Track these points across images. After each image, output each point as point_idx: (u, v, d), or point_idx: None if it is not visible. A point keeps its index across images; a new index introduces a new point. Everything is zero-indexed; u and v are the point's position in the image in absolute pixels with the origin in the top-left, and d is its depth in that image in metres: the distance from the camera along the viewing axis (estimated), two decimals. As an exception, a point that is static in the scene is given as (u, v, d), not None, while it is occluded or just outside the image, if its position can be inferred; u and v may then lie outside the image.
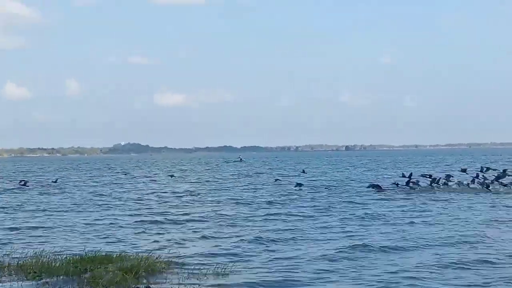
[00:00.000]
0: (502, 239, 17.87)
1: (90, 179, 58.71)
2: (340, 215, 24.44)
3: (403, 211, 25.53)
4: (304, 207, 27.81)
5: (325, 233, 19.67)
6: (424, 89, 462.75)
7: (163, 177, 59.70)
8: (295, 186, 38.83)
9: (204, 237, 19.09)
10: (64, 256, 14.57)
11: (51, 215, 25.84)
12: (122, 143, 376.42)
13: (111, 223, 22.83)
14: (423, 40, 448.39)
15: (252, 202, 30.80)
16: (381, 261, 14.90)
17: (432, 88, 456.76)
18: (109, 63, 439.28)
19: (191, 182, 50.69)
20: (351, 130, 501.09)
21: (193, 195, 35.79)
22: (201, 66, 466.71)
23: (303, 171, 59.27)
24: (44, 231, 20.87)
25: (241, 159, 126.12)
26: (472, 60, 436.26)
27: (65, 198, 34.63)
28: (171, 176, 56.88)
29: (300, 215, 24.45)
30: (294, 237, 18.73)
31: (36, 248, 16.34)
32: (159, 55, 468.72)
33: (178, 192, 38.07)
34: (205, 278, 13.15)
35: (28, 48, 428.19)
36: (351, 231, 19.92)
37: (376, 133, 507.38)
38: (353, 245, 16.77)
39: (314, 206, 28.17)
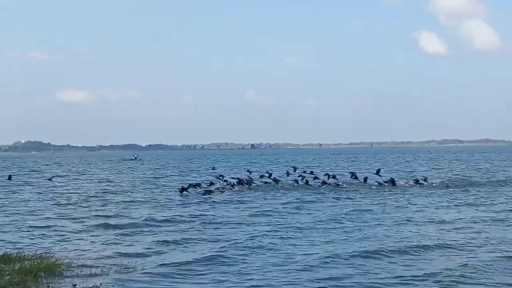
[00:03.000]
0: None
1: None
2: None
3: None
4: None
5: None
6: (327, 89, 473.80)
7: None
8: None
9: (105, 238, 18.91)
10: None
11: None
12: (23, 141, 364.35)
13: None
14: (327, 42, 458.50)
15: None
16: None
17: (335, 89, 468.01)
18: (8, 58, 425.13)
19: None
20: (257, 129, 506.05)
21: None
22: (104, 63, 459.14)
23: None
24: None
25: (136, 157, 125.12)
26: (376, 62, 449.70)
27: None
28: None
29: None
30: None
31: None
32: (62, 52, 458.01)
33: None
34: (106, 277, 13.11)
35: None
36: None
37: (282, 132, 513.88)
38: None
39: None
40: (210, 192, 34.19)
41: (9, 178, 51.29)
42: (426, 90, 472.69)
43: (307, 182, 38.27)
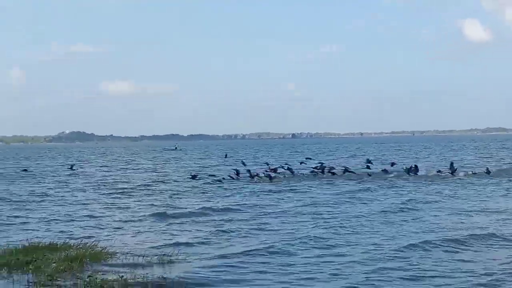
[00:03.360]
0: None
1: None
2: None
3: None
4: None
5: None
6: (370, 78, 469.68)
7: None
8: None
9: (150, 227, 18.92)
10: (7, 246, 14.34)
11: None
12: (67, 132, 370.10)
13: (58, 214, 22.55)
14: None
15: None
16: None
17: (377, 78, 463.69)
18: (52, 50, 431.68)
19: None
20: (297, 118, 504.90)
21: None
22: (147, 54, 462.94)
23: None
24: None
25: (176, 147, 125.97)
26: (417, 51, 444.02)
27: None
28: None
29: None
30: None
31: None
32: (105, 44, 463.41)
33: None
34: (150, 266, 13.09)
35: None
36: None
37: (322, 121, 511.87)
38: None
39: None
40: (253, 177, 34.46)
41: (71, 168, 51.66)
42: (468, 78, 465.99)
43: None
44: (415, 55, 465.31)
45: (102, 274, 11.93)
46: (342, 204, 23.76)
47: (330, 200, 25.26)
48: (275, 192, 28.82)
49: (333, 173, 37.74)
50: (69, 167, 52.47)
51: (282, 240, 15.86)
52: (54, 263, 12.46)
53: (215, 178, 36.64)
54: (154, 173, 46.28)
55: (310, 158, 45.43)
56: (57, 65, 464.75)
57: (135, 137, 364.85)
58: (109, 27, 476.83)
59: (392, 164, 40.55)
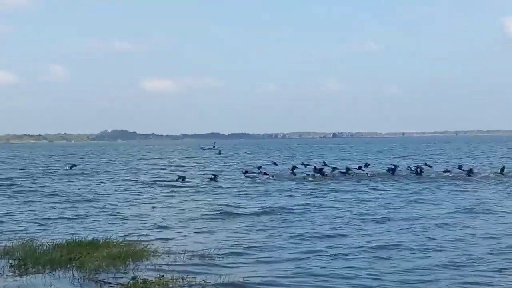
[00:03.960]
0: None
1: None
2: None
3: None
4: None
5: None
6: (412, 76, 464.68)
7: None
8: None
9: (195, 227, 18.90)
10: (51, 242, 14.59)
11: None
12: (109, 130, 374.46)
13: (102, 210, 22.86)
14: (408, 29, 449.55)
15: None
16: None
17: (420, 76, 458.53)
18: (94, 48, 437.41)
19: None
20: (339, 118, 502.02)
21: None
22: (188, 52, 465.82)
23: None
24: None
25: (214, 146, 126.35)
26: (459, 49, 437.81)
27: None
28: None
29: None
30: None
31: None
32: (146, 41, 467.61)
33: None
34: (191, 264, 13.13)
35: (13, 34, 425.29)
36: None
37: (364, 120, 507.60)
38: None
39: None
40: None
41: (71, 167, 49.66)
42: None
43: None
44: (457, 52, 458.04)
45: (143, 273, 12.01)
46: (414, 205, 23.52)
47: (399, 201, 24.77)
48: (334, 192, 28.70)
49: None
50: (70, 166, 49.99)
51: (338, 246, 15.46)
52: (96, 260, 12.63)
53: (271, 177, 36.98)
54: (202, 171, 46.49)
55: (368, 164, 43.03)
56: (99, 63, 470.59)
57: (176, 135, 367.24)
58: (151, 25, 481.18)
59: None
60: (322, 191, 29.26)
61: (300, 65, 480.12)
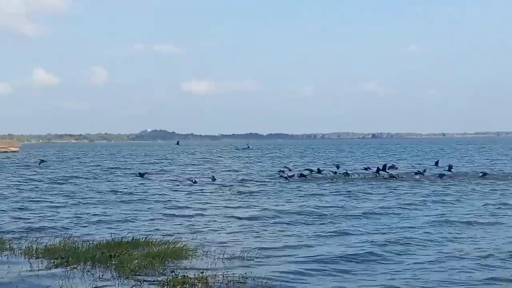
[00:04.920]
0: None
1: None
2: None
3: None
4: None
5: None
6: (453, 77, 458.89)
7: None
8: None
9: (233, 228, 18.91)
10: (91, 241, 14.74)
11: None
12: (149, 130, 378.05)
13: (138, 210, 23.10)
14: (448, 30, 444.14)
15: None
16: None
17: (462, 76, 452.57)
18: (136, 50, 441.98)
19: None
20: (378, 118, 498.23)
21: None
22: (227, 54, 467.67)
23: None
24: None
25: (248, 146, 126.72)
26: (500, 49, 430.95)
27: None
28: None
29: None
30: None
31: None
32: (185, 43, 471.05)
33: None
34: (230, 263, 13.14)
35: (55, 36, 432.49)
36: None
37: (404, 121, 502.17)
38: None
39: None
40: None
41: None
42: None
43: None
44: (498, 52, 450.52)
45: (182, 271, 12.03)
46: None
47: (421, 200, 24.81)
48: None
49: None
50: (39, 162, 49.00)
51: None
52: (136, 259, 12.70)
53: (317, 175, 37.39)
54: (235, 172, 46.58)
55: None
56: (140, 65, 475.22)
57: (215, 135, 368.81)
58: (189, 27, 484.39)
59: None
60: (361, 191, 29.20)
61: (340, 66, 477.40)
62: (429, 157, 69.37)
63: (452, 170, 38.15)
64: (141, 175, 39.67)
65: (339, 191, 29.31)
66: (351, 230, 17.76)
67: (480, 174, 37.24)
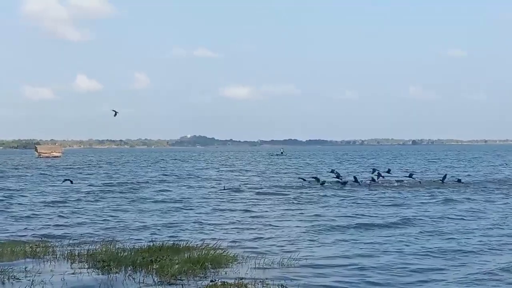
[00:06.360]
0: None
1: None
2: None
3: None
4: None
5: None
6: (494, 83, 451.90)
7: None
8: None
9: (274, 232, 18.93)
10: (133, 246, 14.89)
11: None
12: (188, 136, 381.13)
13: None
14: (489, 33, 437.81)
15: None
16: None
17: (502, 82, 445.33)
18: (175, 55, 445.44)
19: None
20: (418, 124, 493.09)
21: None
22: (266, 59, 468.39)
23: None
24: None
25: (282, 152, 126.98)
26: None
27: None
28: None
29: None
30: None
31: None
32: (224, 48, 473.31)
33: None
34: (270, 269, 13.10)
35: (97, 41, 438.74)
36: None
37: (445, 127, 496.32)
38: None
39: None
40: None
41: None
42: None
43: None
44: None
45: (222, 277, 12.05)
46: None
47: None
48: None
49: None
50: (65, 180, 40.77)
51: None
52: (177, 264, 12.76)
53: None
54: (273, 177, 46.57)
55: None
56: (180, 70, 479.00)
57: (254, 141, 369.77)
58: (229, 31, 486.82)
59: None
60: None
61: (380, 70, 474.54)
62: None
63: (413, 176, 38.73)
64: (68, 180, 37.79)
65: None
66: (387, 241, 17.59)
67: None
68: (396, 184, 36.80)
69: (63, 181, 38.68)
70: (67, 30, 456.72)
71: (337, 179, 38.03)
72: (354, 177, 38.34)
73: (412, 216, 22.36)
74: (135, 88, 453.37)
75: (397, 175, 42.63)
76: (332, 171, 41.78)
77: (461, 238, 17.39)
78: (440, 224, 20.53)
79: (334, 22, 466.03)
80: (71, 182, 37.13)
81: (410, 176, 38.71)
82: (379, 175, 38.16)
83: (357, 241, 16.98)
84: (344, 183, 36.71)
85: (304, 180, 39.22)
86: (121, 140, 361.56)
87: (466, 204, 26.59)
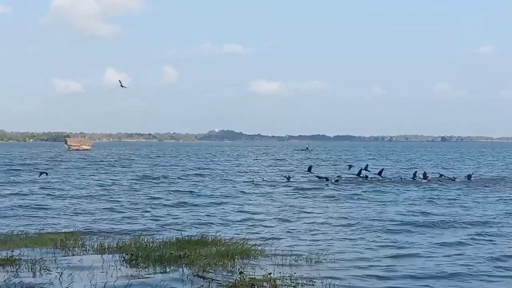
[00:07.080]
0: None
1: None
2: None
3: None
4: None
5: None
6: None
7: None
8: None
9: (301, 228, 18.93)
10: (161, 239, 14.99)
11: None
12: (216, 130, 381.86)
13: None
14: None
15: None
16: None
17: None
18: (205, 50, 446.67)
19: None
20: (448, 121, 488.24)
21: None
22: (295, 54, 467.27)
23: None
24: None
25: (307, 147, 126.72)
26: None
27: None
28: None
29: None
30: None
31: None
32: (252, 43, 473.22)
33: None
34: (298, 265, 13.09)
35: (126, 36, 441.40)
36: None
37: (474, 124, 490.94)
38: None
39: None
40: None
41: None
42: None
43: None
44: None
45: (250, 271, 12.04)
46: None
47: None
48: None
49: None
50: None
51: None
52: (205, 258, 12.81)
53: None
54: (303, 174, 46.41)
55: None
56: (208, 65, 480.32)
57: (282, 136, 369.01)
58: (259, 28, 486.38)
59: None
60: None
61: (409, 67, 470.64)
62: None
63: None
64: (43, 173, 37.61)
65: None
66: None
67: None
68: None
69: (40, 175, 37.84)
70: (98, 25, 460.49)
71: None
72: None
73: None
74: (163, 82, 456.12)
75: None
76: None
77: None
78: None
79: (363, 16, 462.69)
80: (46, 174, 37.56)
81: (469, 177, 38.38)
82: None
83: (393, 243, 16.82)
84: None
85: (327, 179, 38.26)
86: (149, 134, 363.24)
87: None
